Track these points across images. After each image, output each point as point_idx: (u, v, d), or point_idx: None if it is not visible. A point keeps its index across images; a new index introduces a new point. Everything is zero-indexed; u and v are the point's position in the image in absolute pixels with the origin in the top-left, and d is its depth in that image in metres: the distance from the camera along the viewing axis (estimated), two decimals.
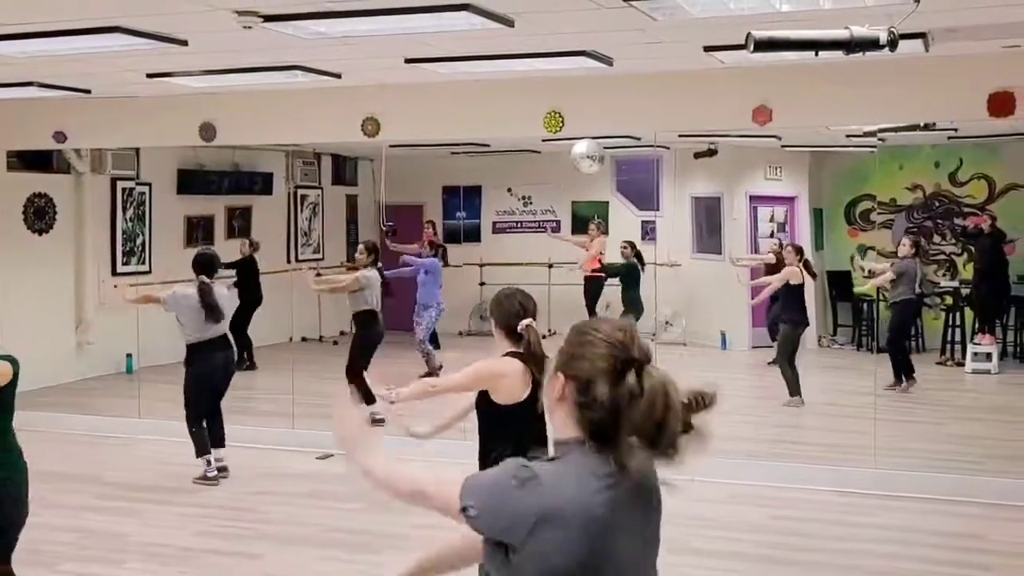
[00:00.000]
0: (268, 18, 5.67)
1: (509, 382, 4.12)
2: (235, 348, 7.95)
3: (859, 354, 12.42)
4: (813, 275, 10.91)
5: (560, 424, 2.10)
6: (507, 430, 4.15)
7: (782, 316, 10.27)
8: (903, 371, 10.46)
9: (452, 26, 5.86)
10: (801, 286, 10.27)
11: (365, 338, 9.39)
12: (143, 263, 12.30)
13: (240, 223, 13.77)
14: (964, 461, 7.97)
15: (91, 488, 7.61)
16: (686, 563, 5.69)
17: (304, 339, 12.98)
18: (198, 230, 13.13)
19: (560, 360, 2.09)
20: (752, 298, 11.91)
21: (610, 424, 1.98)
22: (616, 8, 5.35)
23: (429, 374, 10.67)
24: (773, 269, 11.29)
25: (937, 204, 14.14)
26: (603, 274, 11.98)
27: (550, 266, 14.55)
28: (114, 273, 11.88)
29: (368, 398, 9.25)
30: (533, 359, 4.12)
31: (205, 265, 7.62)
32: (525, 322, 4.13)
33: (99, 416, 9.54)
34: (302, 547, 6.29)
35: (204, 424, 7.64)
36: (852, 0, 5.13)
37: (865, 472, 7.53)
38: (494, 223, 15.62)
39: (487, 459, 4.16)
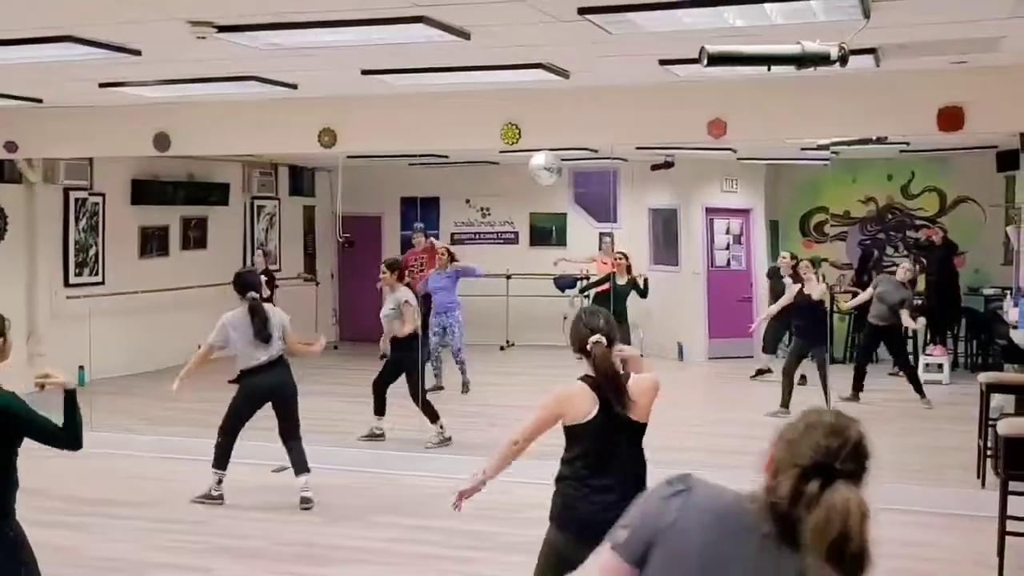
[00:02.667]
0: (222, 28, 5.63)
1: (575, 402, 4.01)
2: (288, 369, 7.38)
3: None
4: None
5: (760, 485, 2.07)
6: (573, 449, 4.06)
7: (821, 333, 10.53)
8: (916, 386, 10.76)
9: (408, 38, 5.86)
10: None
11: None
12: (96, 274, 12.16)
13: (196, 234, 13.66)
14: (915, 471, 8.06)
15: (41, 502, 7.44)
16: None
17: None
18: (153, 241, 13.03)
19: (777, 433, 2.08)
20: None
21: (790, 524, 1.94)
22: (571, 22, 5.38)
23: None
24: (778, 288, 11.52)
25: (890, 216, 14.36)
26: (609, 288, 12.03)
27: (508, 277, 14.58)
28: (66, 284, 11.75)
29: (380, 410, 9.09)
30: (601, 376, 3.99)
31: (252, 284, 7.34)
32: (592, 339, 4.01)
33: None
34: (256, 560, 6.23)
35: (233, 439, 7.34)
36: (804, 16, 5.19)
37: None
38: (452, 234, 15.64)
39: (558, 481, 4.12)
